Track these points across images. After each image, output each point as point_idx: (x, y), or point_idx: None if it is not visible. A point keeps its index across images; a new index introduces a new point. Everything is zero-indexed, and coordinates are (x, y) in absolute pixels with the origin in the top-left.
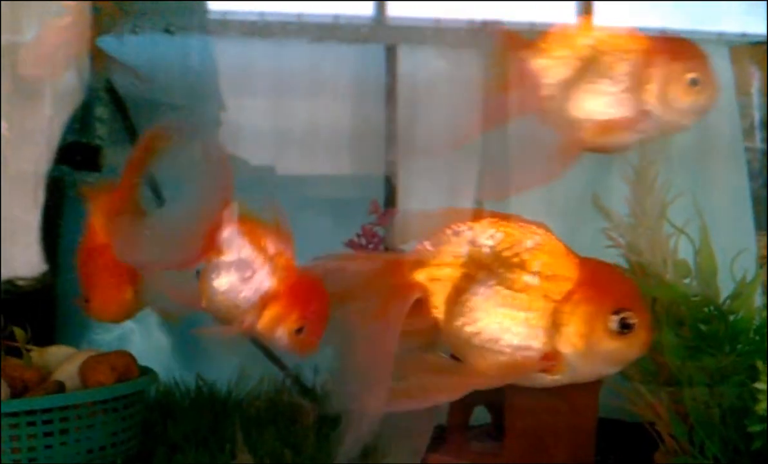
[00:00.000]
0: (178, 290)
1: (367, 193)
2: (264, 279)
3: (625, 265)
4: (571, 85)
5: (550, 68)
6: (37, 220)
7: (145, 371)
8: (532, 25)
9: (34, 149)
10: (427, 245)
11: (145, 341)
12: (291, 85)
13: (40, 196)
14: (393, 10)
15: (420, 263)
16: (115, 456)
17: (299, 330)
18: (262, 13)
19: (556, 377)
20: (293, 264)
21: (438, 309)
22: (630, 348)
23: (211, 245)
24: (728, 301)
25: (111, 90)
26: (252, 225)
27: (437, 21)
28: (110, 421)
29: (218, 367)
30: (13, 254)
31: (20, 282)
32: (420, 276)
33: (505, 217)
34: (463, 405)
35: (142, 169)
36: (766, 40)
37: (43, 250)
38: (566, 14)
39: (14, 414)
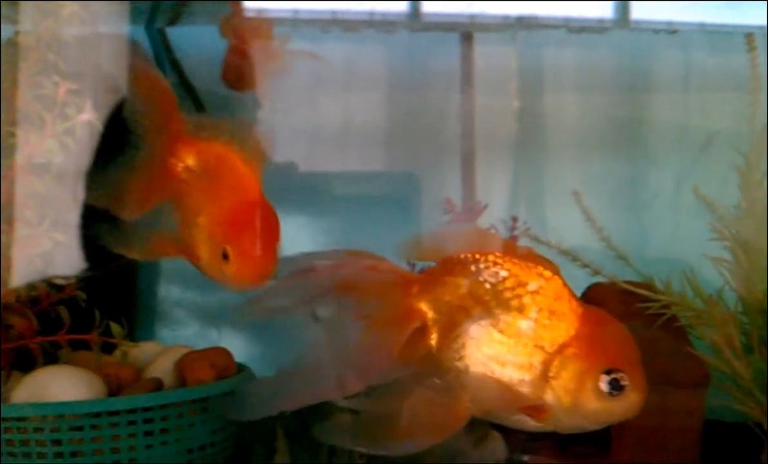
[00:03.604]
0: None
1: (423, 190)
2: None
3: (730, 259)
4: None
5: None
6: (76, 217)
7: (241, 368)
8: (567, 20)
9: (75, 146)
10: (435, 270)
11: (218, 338)
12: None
13: (80, 194)
14: (427, 6)
15: (426, 288)
16: (214, 456)
17: (225, 255)
18: (296, 11)
19: (540, 425)
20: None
21: (435, 338)
22: (617, 411)
23: None
24: None
25: (184, 80)
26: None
27: (472, 17)
28: (210, 420)
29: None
30: (55, 252)
31: (59, 281)
32: (423, 302)
33: (520, 252)
34: None
35: None
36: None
37: (84, 248)
38: (602, 9)
39: (115, 413)
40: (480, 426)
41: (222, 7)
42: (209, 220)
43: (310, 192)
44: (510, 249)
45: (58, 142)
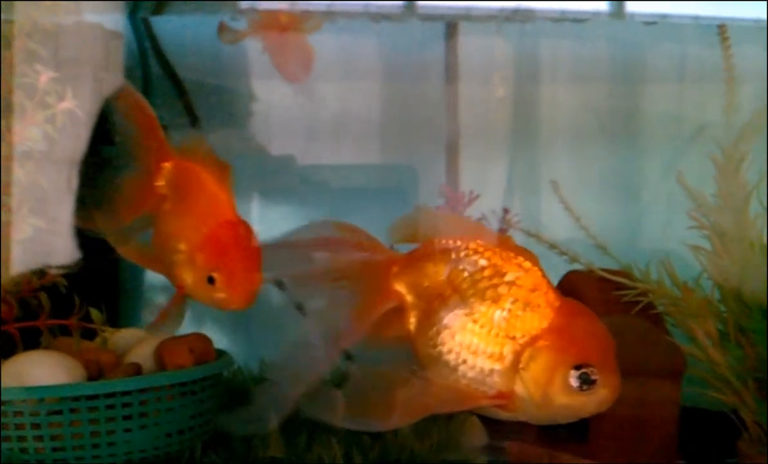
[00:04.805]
0: None
1: (412, 181)
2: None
3: (708, 248)
4: None
5: None
6: (70, 205)
7: (221, 353)
8: (563, 13)
9: (72, 133)
10: (416, 253)
11: (202, 325)
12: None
13: (74, 182)
14: None
15: (405, 270)
16: (193, 440)
17: (211, 280)
18: (292, 4)
19: (510, 415)
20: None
21: (412, 322)
22: (588, 405)
23: None
24: None
25: (169, 70)
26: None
27: (468, 9)
28: (188, 404)
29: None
30: (51, 241)
31: (52, 271)
32: (401, 284)
33: (500, 241)
34: None
35: None
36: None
37: (77, 236)
38: (597, 3)
39: (94, 397)
40: (460, 413)
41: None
42: (190, 245)
43: (307, 184)
44: (492, 238)
45: (40, 130)
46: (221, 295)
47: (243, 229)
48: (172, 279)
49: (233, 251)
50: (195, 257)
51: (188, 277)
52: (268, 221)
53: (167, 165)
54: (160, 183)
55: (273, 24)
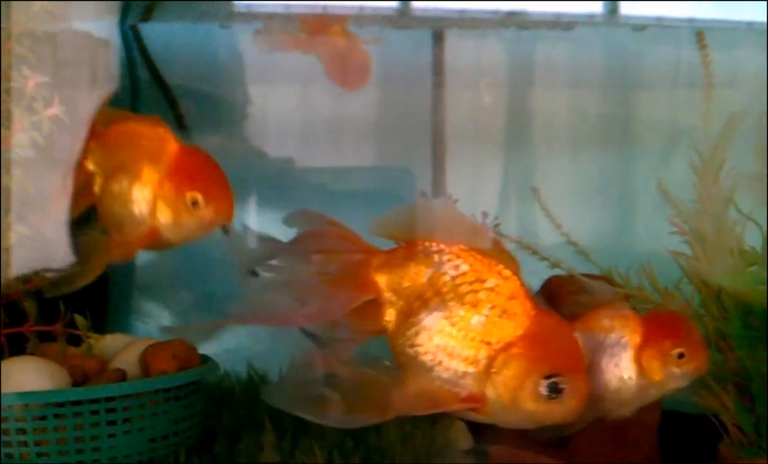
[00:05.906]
0: None
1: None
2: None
3: (689, 252)
4: None
5: None
6: (65, 209)
7: (205, 359)
8: (558, 15)
9: (68, 137)
10: (399, 251)
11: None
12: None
13: (69, 186)
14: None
15: (386, 265)
16: (177, 445)
17: (194, 203)
18: (287, 6)
19: (480, 416)
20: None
21: (391, 320)
22: (554, 414)
23: None
24: None
25: (157, 77)
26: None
27: (462, 12)
28: (172, 410)
29: (268, 357)
30: (48, 245)
31: (48, 274)
32: (381, 278)
33: (488, 247)
34: None
35: None
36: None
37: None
38: (591, 5)
39: (78, 403)
40: (444, 416)
41: (196, 5)
42: (154, 183)
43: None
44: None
45: (27, 136)
46: (207, 211)
47: (196, 149)
48: (139, 236)
49: (201, 168)
50: (165, 188)
51: (165, 215)
52: (264, 224)
53: (93, 144)
54: (93, 162)
55: (322, 30)
